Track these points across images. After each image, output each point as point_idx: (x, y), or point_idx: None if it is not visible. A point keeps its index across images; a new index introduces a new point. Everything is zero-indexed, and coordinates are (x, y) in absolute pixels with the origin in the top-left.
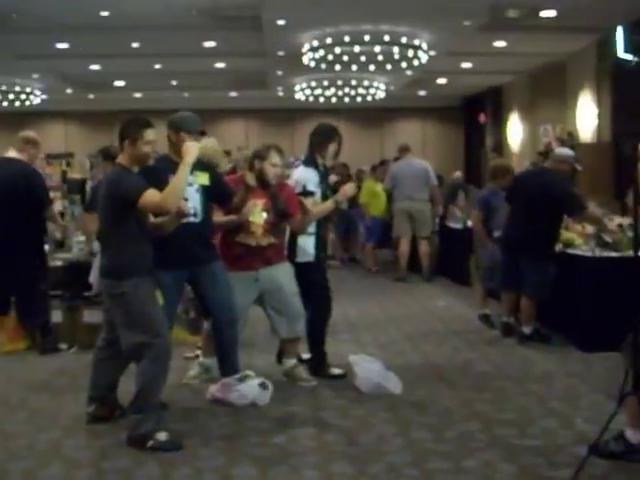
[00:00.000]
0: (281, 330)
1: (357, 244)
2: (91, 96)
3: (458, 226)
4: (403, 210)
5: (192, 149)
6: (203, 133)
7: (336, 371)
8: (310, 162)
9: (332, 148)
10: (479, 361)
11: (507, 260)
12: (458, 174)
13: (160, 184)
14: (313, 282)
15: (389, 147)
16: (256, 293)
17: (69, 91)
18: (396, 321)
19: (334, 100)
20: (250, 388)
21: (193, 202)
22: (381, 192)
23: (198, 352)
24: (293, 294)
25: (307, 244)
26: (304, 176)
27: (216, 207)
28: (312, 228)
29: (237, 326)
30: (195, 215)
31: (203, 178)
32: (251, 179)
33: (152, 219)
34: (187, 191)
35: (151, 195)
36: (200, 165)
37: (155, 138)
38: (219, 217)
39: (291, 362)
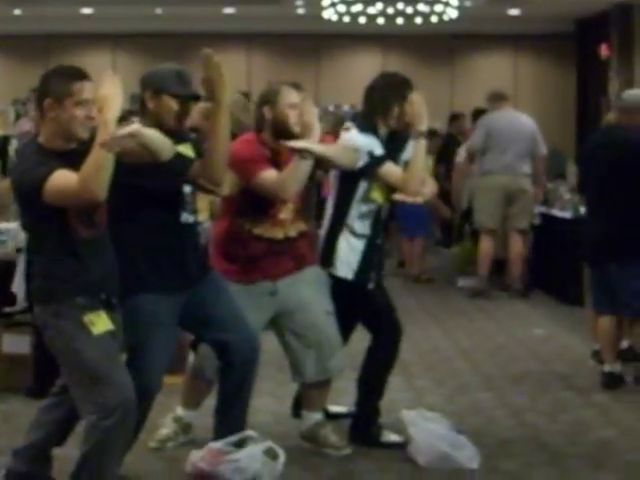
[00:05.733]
0: (307, 369)
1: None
2: (17, 12)
3: (566, 215)
4: (499, 188)
5: (111, 95)
6: (197, 98)
7: (392, 437)
8: (368, 128)
9: (398, 109)
10: (596, 422)
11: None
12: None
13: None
14: (361, 307)
15: (461, 94)
16: (270, 312)
17: None
18: (471, 358)
19: (381, 21)
20: (251, 458)
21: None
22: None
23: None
24: (326, 313)
25: (351, 251)
26: (367, 141)
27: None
28: (364, 229)
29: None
30: (195, 212)
31: (187, 152)
32: (272, 141)
33: None
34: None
35: (61, 178)
36: (178, 133)
37: (93, 97)
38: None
39: (314, 418)
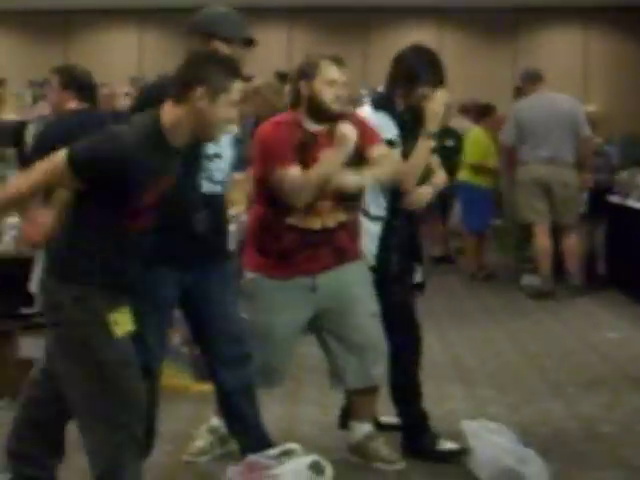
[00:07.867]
0: (350, 375)
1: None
2: None
3: None
4: (536, 181)
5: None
6: (250, 42)
7: (448, 445)
8: (383, 104)
9: (422, 89)
10: None
11: None
12: None
13: None
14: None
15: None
16: (310, 310)
17: None
18: (537, 364)
19: None
20: (294, 473)
21: (224, 162)
22: (493, 151)
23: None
24: (371, 315)
25: (368, 236)
26: (377, 122)
27: None
28: (379, 211)
29: (251, 364)
30: (221, 183)
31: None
32: (308, 120)
33: None
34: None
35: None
36: None
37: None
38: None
39: (364, 429)
